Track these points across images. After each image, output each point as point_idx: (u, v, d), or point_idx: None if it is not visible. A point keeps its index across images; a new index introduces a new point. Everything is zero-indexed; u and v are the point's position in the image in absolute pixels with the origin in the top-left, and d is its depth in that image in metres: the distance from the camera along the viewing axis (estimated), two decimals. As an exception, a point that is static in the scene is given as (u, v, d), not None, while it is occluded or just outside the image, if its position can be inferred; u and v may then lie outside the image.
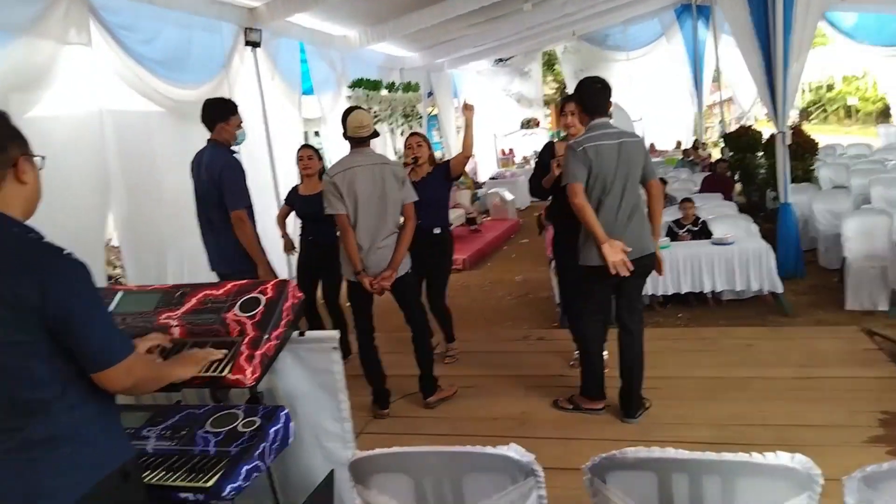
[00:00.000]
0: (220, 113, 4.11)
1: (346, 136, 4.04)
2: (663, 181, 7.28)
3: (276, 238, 5.27)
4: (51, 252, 1.57)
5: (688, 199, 6.82)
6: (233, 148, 4.17)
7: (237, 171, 4.05)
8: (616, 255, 3.53)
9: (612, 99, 3.76)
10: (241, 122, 4.24)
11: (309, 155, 5.03)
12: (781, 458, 1.52)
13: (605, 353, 4.25)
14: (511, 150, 17.99)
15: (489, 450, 1.74)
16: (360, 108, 4.25)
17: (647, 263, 3.75)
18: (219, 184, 3.97)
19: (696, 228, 6.58)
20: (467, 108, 4.77)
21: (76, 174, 4.38)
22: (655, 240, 3.82)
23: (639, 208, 3.71)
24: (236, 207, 3.99)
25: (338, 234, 4.08)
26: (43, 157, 1.68)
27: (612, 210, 3.61)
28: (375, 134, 4.08)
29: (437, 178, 4.73)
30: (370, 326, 4.23)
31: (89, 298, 1.60)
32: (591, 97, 3.70)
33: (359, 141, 4.01)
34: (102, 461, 1.64)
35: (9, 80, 4.02)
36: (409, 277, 4.19)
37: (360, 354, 4.23)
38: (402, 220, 4.09)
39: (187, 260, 5.37)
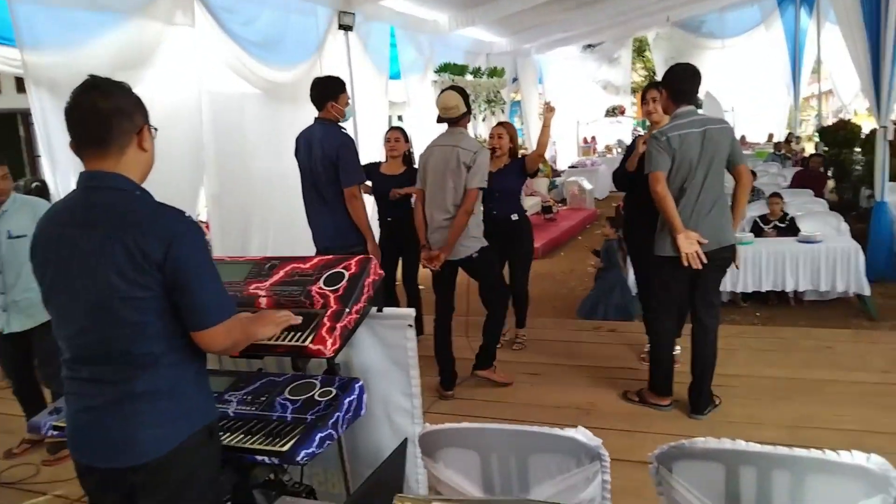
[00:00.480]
0: (331, 91, 4.14)
1: (438, 117, 4.15)
2: (752, 174, 7.06)
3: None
4: (174, 213, 1.68)
5: (776, 195, 6.61)
6: (341, 124, 4.22)
7: (352, 149, 4.13)
8: (690, 247, 3.48)
9: (705, 88, 3.68)
10: (349, 99, 4.31)
11: (396, 137, 5.10)
12: (857, 457, 1.48)
13: (677, 348, 4.20)
14: (594, 138, 17.64)
15: (556, 431, 1.78)
16: (452, 88, 4.21)
17: (726, 256, 3.66)
18: (335, 161, 4.03)
19: (782, 225, 6.36)
20: (549, 110, 4.72)
21: (174, 151, 4.56)
22: (735, 227, 3.73)
23: (721, 199, 3.62)
24: (351, 184, 4.07)
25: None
26: (156, 129, 1.79)
27: (691, 200, 3.55)
28: (465, 115, 4.12)
29: (512, 172, 4.75)
30: (450, 307, 4.31)
31: (205, 258, 1.70)
32: (680, 83, 3.63)
33: (448, 122, 4.11)
34: (194, 418, 1.75)
35: (117, 59, 4.25)
36: (475, 262, 4.15)
37: (434, 331, 4.32)
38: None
39: (271, 237, 5.57)
